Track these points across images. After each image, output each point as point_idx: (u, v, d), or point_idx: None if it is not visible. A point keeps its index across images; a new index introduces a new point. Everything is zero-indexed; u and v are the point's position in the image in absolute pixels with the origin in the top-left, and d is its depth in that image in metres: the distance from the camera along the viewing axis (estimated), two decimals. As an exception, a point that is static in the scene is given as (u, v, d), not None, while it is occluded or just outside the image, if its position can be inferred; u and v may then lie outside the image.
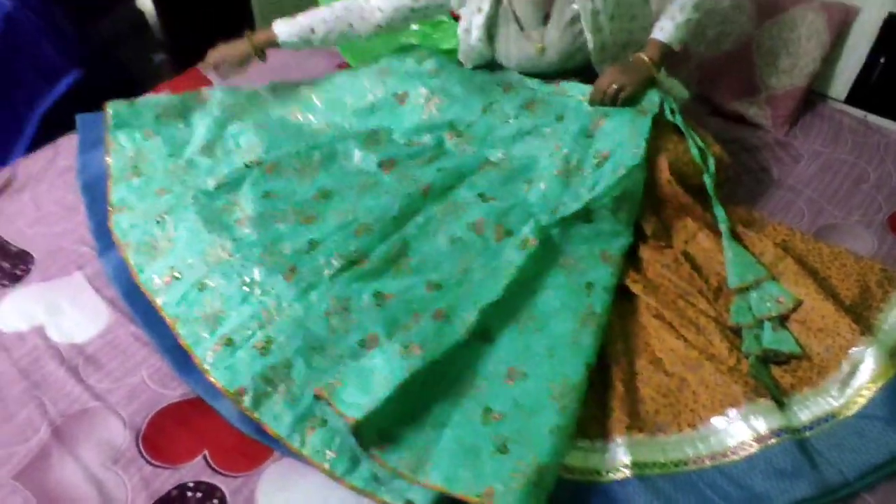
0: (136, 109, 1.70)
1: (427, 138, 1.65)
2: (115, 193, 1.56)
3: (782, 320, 1.40)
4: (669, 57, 1.58)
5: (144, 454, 1.20)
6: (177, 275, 1.38)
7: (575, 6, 1.53)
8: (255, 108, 1.75)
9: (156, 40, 2.78)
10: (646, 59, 1.54)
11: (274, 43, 1.69)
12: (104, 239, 1.51)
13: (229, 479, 1.17)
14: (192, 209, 1.48)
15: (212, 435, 1.23)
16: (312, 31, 1.66)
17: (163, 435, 1.23)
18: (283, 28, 1.68)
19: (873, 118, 1.98)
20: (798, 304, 1.40)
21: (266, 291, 1.34)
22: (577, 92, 1.63)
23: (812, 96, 2.00)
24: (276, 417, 1.20)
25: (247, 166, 1.57)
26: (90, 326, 1.38)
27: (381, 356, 1.21)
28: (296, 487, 1.17)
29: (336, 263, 1.38)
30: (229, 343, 1.27)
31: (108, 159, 1.62)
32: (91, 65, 2.27)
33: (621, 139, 1.49)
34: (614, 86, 1.52)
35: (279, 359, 1.25)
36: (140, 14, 2.81)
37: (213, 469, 1.19)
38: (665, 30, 1.55)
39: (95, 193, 1.59)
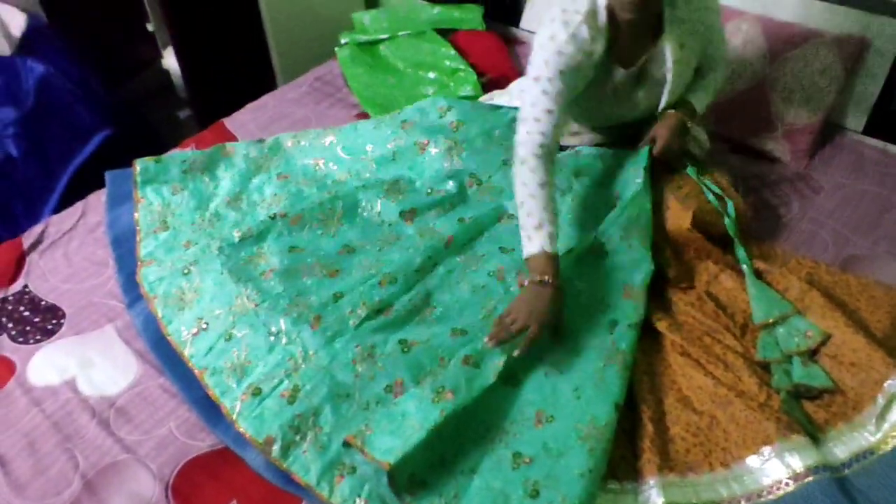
0: (163, 165, 1.74)
1: (449, 185, 1.67)
2: (144, 248, 1.58)
3: (812, 354, 1.38)
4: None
5: (174, 506, 1.20)
6: (204, 326, 1.40)
7: (658, 70, 1.55)
8: (278, 158, 1.79)
9: (181, 99, 2.87)
10: (676, 117, 1.59)
11: (554, 258, 1.36)
12: (133, 292, 1.53)
13: (259, 529, 1.17)
14: (218, 260, 1.51)
15: (240, 485, 1.23)
16: (553, 219, 1.38)
17: (192, 486, 1.23)
18: (545, 243, 1.35)
19: (893, 148, 1.97)
20: (827, 338, 1.39)
21: (292, 340, 1.35)
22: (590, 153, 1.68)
23: (830, 129, 2.00)
24: (305, 466, 1.20)
25: (271, 218, 1.60)
26: (120, 379, 1.40)
27: (412, 401, 1.21)
28: (324, 536, 1.16)
29: (361, 313, 1.40)
30: (257, 392, 1.29)
31: (137, 215, 1.66)
32: (120, 123, 2.35)
33: (625, 177, 1.55)
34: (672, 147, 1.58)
35: (306, 407, 1.26)
36: (166, 74, 2.92)
37: (243, 520, 1.18)
38: (700, 100, 1.62)
39: (124, 247, 1.63)
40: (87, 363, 1.42)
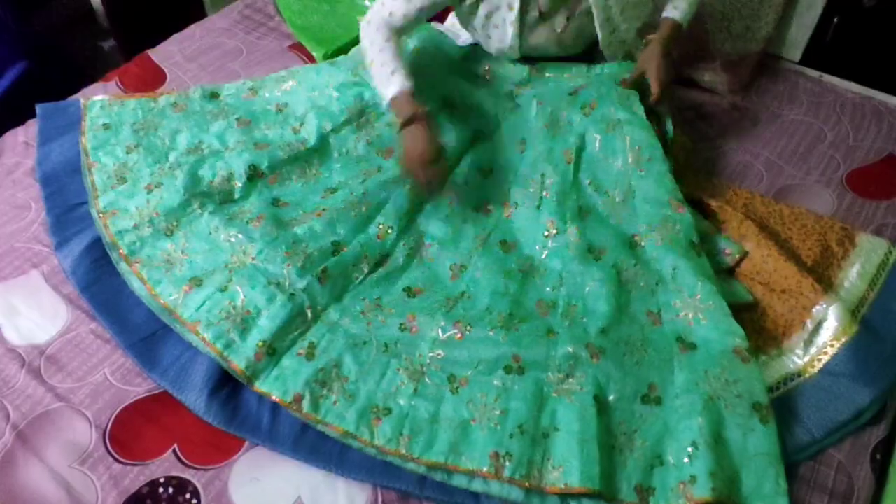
0: (113, 130, 1.64)
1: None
2: (102, 201, 1.50)
3: (731, 273, 1.44)
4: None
5: (112, 452, 1.17)
6: (198, 283, 1.35)
7: (589, 2, 1.50)
8: (234, 108, 1.71)
9: (103, 28, 2.71)
10: (661, 44, 1.53)
11: (413, 95, 1.43)
12: (62, 233, 1.47)
13: (200, 472, 1.16)
14: (202, 220, 1.45)
15: (180, 429, 1.21)
16: (404, 64, 1.46)
17: (130, 432, 1.20)
18: (403, 83, 1.42)
19: (828, 78, 2.00)
20: (745, 255, 1.44)
21: (298, 292, 1.32)
22: (555, 71, 1.66)
23: (767, 59, 2.01)
24: (340, 416, 1.19)
25: (249, 180, 1.53)
26: (49, 326, 1.34)
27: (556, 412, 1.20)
28: (268, 477, 1.16)
29: (364, 268, 1.41)
30: (272, 353, 1.26)
31: (92, 178, 1.55)
32: (37, 55, 2.21)
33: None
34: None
35: (326, 360, 1.26)
36: (86, 1, 2.73)
37: (184, 463, 1.17)
38: (679, 8, 1.55)
39: (54, 186, 1.55)
40: (12, 311, 1.36)
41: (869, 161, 1.75)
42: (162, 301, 1.33)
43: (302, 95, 1.71)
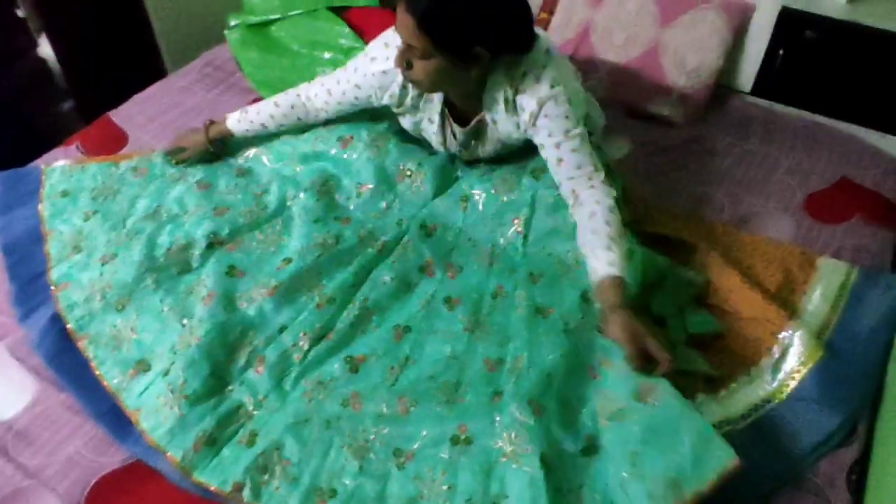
0: (71, 197, 1.63)
1: (374, 182, 1.61)
2: (56, 273, 1.47)
3: (698, 302, 1.46)
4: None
5: (86, 529, 1.15)
6: (144, 367, 1.32)
7: (493, 133, 1.51)
8: (194, 171, 1.70)
9: (61, 89, 2.70)
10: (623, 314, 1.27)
11: (228, 136, 1.71)
12: (27, 304, 1.44)
13: (179, 543, 1.14)
14: (156, 296, 1.42)
15: (156, 498, 1.19)
16: (264, 126, 1.67)
17: (104, 506, 1.18)
18: (237, 126, 1.68)
19: (779, 107, 2.06)
20: (707, 282, 1.46)
21: (237, 387, 1.31)
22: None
23: (721, 91, 2.07)
24: (282, 502, 1.16)
25: (208, 248, 1.50)
26: (16, 400, 1.31)
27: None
28: (249, 543, 1.14)
29: (304, 345, 1.36)
30: (211, 443, 1.22)
31: (47, 247, 1.53)
32: (-5, 120, 2.19)
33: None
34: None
35: (267, 444, 1.22)
36: (43, 63, 2.72)
37: (161, 535, 1.15)
38: (615, 264, 1.30)
39: (16, 255, 1.53)
40: (-23, 387, 1.33)
41: (824, 185, 1.80)
42: (105, 383, 1.30)
43: (265, 165, 1.71)
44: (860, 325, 1.41)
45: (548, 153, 1.43)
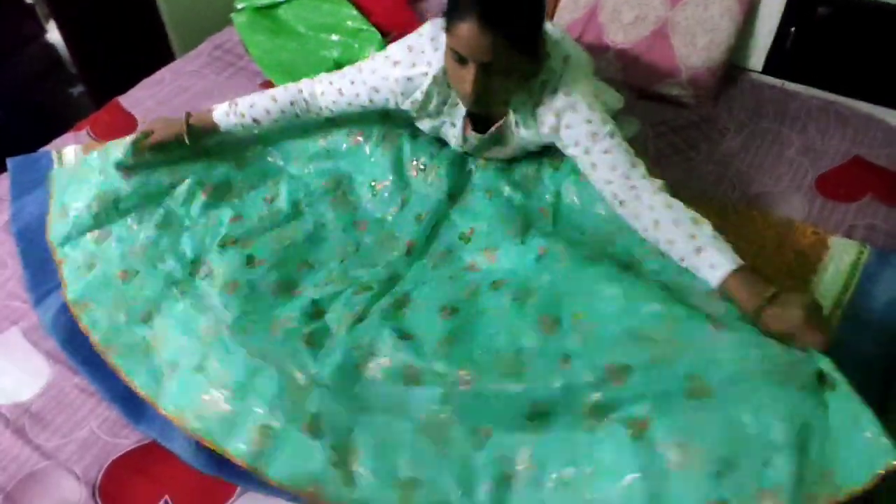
0: (76, 224, 1.53)
1: (390, 178, 1.58)
2: (71, 293, 1.42)
3: None
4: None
5: (103, 508, 1.17)
6: (173, 368, 1.29)
7: (515, 137, 1.47)
8: (199, 170, 1.63)
9: (72, 74, 2.71)
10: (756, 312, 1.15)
11: (212, 130, 1.59)
12: (40, 288, 1.46)
13: (194, 521, 1.15)
14: (181, 301, 1.38)
15: (171, 479, 1.20)
16: (256, 121, 1.56)
17: (120, 486, 1.19)
18: (224, 118, 1.56)
19: (791, 85, 2.04)
20: None
21: (284, 360, 1.25)
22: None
23: (732, 70, 2.05)
24: (365, 498, 1.12)
25: (221, 247, 1.46)
26: (32, 383, 1.33)
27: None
28: (263, 522, 1.15)
29: (349, 320, 1.31)
30: (271, 433, 1.17)
31: (61, 273, 1.48)
32: (5, 105, 2.20)
33: None
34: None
35: (335, 438, 1.16)
36: (53, 49, 2.73)
37: (177, 514, 1.16)
38: (716, 264, 1.19)
39: (31, 240, 1.54)
40: (-7, 370, 1.35)
41: (836, 164, 1.78)
42: (140, 392, 1.27)
43: (270, 163, 1.67)
44: (873, 304, 1.40)
45: (580, 162, 1.37)
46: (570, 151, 1.39)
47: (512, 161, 1.59)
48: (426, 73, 1.40)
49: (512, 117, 1.42)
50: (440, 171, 1.57)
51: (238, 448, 1.17)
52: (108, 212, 1.53)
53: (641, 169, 1.32)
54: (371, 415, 1.19)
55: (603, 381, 1.11)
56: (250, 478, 1.17)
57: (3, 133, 2.14)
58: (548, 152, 1.55)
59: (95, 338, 1.35)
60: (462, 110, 1.46)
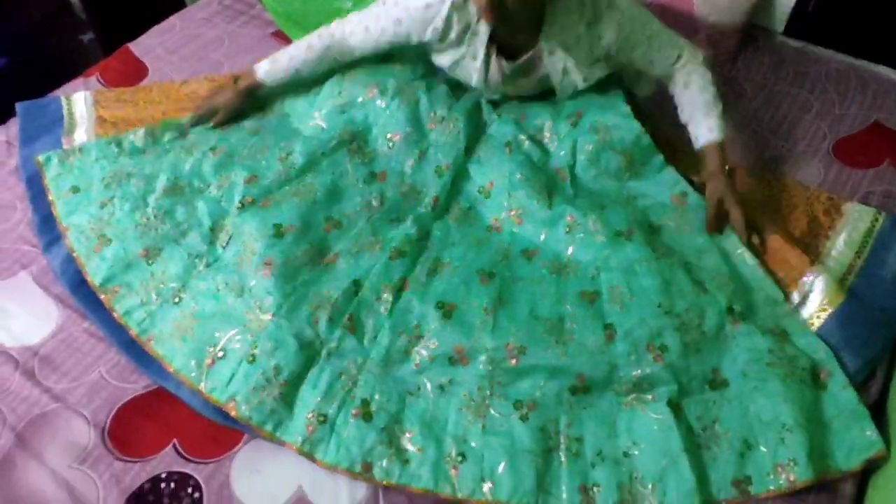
0: (84, 193, 1.49)
1: (408, 129, 1.56)
2: (95, 274, 1.36)
3: None
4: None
5: (112, 450, 1.18)
6: (220, 354, 1.25)
7: (545, 67, 1.49)
8: (207, 138, 1.59)
9: (82, 20, 2.68)
10: (716, 176, 1.42)
11: (259, 87, 1.62)
12: (49, 233, 1.46)
13: (202, 465, 1.17)
14: (209, 277, 1.35)
15: (179, 424, 1.22)
16: (298, 71, 1.59)
17: (129, 429, 1.21)
18: (268, 74, 1.60)
19: (812, 48, 2.00)
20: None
21: (334, 351, 1.26)
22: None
23: (753, 31, 2.00)
24: (415, 476, 1.14)
25: (239, 208, 1.43)
26: (42, 327, 1.34)
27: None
28: (269, 468, 1.17)
29: (387, 297, 1.32)
30: (324, 420, 1.18)
31: (69, 244, 1.41)
32: (15, 51, 2.18)
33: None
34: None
35: (385, 420, 1.19)
36: (63, -6, 2.70)
37: (185, 458, 1.18)
38: (714, 128, 1.45)
39: (39, 186, 1.53)
40: (3, 313, 1.36)
41: (855, 129, 1.75)
42: (184, 379, 1.23)
43: (284, 125, 1.64)
44: (885, 272, 1.39)
45: (638, 62, 1.51)
46: (627, 59, 1.50)
47: (527, 110, 1.59)
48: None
49: (544, 45, 1.44)
50: (459, 122, 1.56)
51: (294, 438, 1.18)
52: (119, 181, 1.50)
53: (687, 49, 1.52)
54: (419, 396, 1.22)
55: (643, 359, 1.21)
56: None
57: (12, 79, 2.12)
58: (564, 107, 1.56)
59: (133, 331, 1.30)
60: (483, 39, 1.46)
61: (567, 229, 1.41)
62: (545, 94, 1.61)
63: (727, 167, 1.44)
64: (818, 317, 1.30)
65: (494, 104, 1.64)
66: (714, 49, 1.91)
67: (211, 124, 1.62)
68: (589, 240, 1.38)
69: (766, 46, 2.00)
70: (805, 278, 1.35)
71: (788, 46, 2.00)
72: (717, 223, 1.40)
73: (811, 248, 1.44)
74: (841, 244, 1.45)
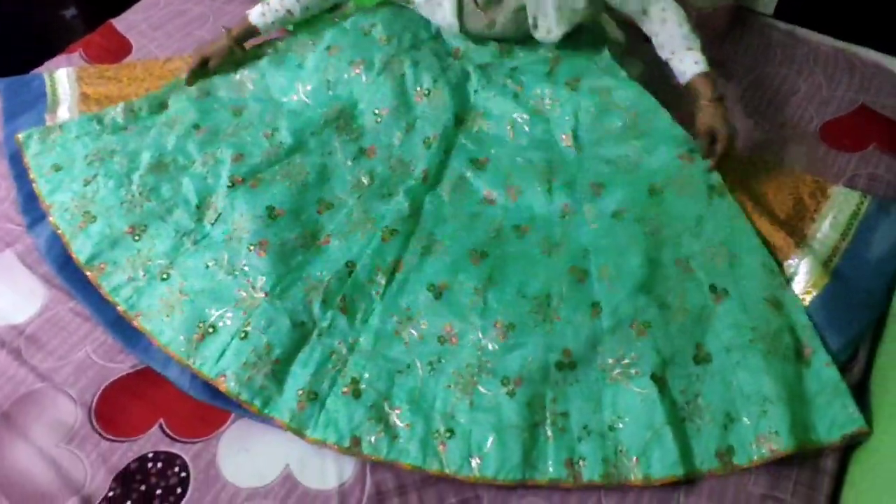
0: (66, 171, 1.47)
1: (394, 103, 1.56)
2: (80, 252, 1.35)
3: None
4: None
5: (99, 430, 1.18)
6: (209, 330, 1.25)
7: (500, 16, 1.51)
8: (187, 109, 1.59)
9: (65, -5, 2.63)
10: (710, 104, 1.46)
11: (252, 33, 1.66)
12: (34, 212, 1.44)
13: (188, 445, 1.17)
14: (197, 254, 1.35)
15: (166, 403, 1.22)
16: (290, 13, 1.63)
17: (116, 408, 1.21)
18: (260, 18, 1.63)
19: (801, 31, 2.00)
20: None
21: (325, 330, 1.26)
22: (522, 50, 1.62)
23: (741, 12, 2.00)
24: (403, 451, 1.14)
25: (229, 187, 1.42)
26: (27, 306, 1.33)
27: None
28: (257, 447, 1.18)
29: (381, 280, 1.33)
30: (314, 397, 1.19)
31: (53, 221, 1.40)
32: (-4, 27, 2.15)
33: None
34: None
35: (374, 396, 1.20)
36: (45, -32, 2.65)
37: (171, 437, 1.18)
38: (700, 61, 1.47)
39: (23, 163, 1.51)
40: (-13, 292, 1.35)
41: (842, 112, 1.76)
42: (172, 353, 1.23)
43: (266, 102, 1.62)
44: (869, 254, 1.40)
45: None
46: None
47: (526, 83, 1.58)
48: None
49: None
50: (444, 93, 1.56)
51: (283, 414, 1.18)
52: (102, 158, 1.49)
53: None
54: (408, 374, 1.23)
55: (628, 334, 1.23)
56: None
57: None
58: (557, 66, 1.57)
59: (120, 307, 1.29)
60: None
61: (562, 215, 1.43)
62: (530, 43, 1.60)
63: (717, 96, 1.45)
64: (803, 298, 1.31)
65: (486, 77, 1.61)
66: (703, 30, 1.90)
67: (194, 95, 1.63)
68: (581, 227, 1.40)
69: (755, 28, 2.00)
70: (790, 261, 1.36)
71: (777, 29, 2.00)
72: (711, 154, 1.43)
73: (797, 230, 1.45)
74: (826, 227, 1.46)
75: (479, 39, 1.63)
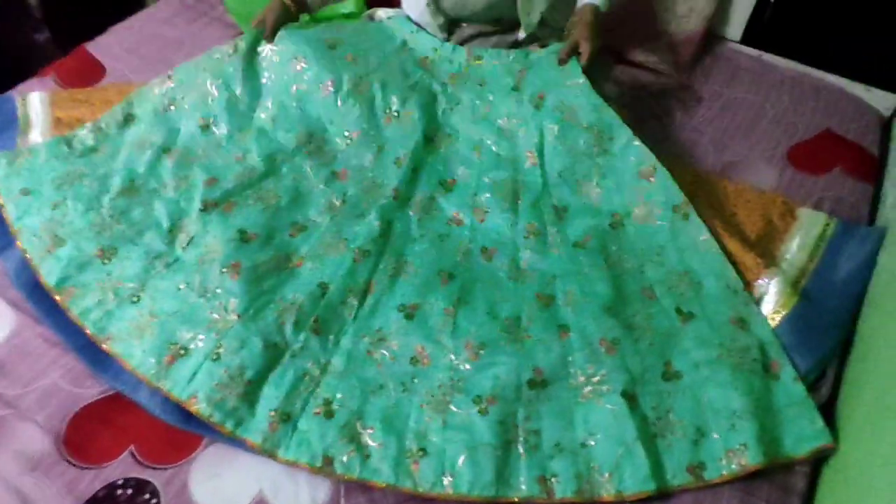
0: (35, 195, 1.45)
1: (364, 125, 1.58)
2: (49, 276, 1.33)
3: None
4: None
5: (67, 457, 1.16)
6: (181, 352, 1.23)
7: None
8: (152, 125, 1.58)
9: (37, 19, 2.62)
10: (588, 26, 1.51)
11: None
12: (2, 237, 1.42)
13: (159, 471, 1.15)
14: (167, 277, 1.33)
15: (136, 429, 1.19)
16: None
17: (84, 435, 1.19)
18: None
19: (768, 56, 2.05)
20: None
21: (298, 353, 1.25)
22: (491, 58, 1.63)
23: (710, 39, 2.05)
24: (375, 471, 1.13)
25: (202, 210, 1.42)
26: (-6, 331, 1.31)
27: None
28: (229, 472, 1.16)
29: (353, 302, 1.33)
30: (286, 419, 1.18)
31: (21, 246, 1.38)
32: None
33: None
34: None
35: (347, 416, 1.19)
36: (17, -9, 2.63)
37: (142, 464, 1.16)
38: None
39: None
40: (-46, 318, 1.32)
41: (808, 136, 1.80)
42: (141, 375, 1.21)
43: (233, 115, 1.60)
44: (835, 275, 1.43)
45: None
46: None
47: (494, 103, 1.60)
48: None
49: None
50: (413, 115, 1.58)
51: (255, 435, 1.16)
52: (72, 182, 1.47)
53: None
54: (380, 394, 1.23)
55: (597, 352, 1.25)
56: (214, 430, 1.16)
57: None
58: (523, 83, 1.58)
59: (89, 330, 1.27)
60: None
61: (526, 235, 1.45)
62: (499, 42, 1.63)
63: (595, 23, 1.51)
64: (773, 319, 1.33)
65: (454, 97, 1.62)
66: (673, 56, 1.95)
67: (159, 107, 1.60)
68: (546, 252, 1.43)
69: (724, 54, 2.04)
70: (761, 280, 1.38)
71: (744, 54, 2.05)
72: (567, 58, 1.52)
73: (767, 251, 1.47)
74: (795, 248, 1.49)
75: (452, 30, 1.65)
